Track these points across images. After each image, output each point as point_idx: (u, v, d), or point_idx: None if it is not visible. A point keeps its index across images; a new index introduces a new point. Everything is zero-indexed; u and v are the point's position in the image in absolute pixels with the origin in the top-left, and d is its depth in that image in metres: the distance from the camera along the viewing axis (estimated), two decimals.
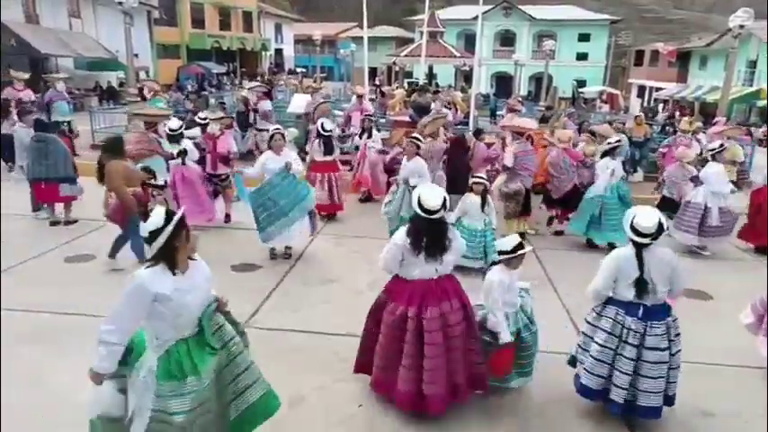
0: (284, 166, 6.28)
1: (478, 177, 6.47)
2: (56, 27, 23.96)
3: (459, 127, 12.63)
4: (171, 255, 2.73)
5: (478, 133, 8.89)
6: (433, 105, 10.98)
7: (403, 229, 3.65)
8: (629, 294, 3.56)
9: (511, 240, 3.85)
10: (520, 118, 9.18)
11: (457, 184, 7.36)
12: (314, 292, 5.80)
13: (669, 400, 3.69)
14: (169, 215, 2.72)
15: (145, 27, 29.88)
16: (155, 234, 2.68)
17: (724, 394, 4.14)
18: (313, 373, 4.17)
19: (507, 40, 45.40)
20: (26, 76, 13.00)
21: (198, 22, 36.79)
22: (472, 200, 6.35)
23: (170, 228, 2.68)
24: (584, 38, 44.90)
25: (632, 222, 3.54)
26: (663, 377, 3.56)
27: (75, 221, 7.62)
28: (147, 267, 2.75)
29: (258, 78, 18.24)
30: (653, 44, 42.07)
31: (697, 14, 64.84)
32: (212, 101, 16.56)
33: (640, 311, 3.54)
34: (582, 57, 44.65)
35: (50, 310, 5.05)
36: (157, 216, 2.73)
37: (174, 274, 2.74)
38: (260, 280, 6.04)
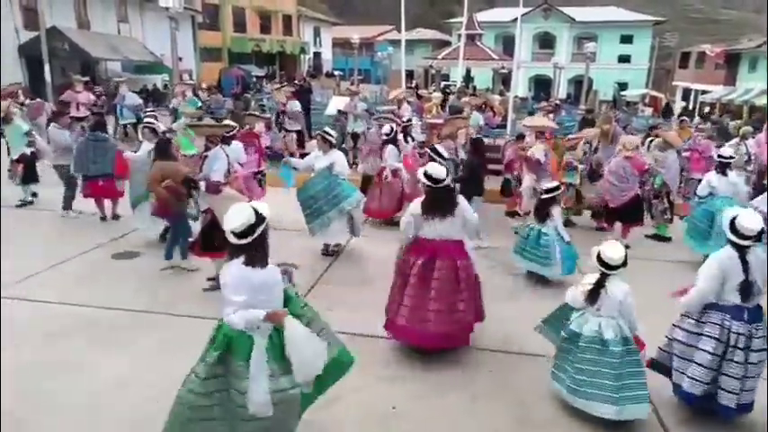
0: (327, 166, 6.41)
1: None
2: (105, 32, 24.93)
3: (496, 130, 12.56)
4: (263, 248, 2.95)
5: (521, 137, 8.81)
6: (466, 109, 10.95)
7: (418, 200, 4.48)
8: (734, 298, 3.53)
9: (620, 252, 3.69)
10: (539, 117, 9.27)
11: (473, 186, 6.99)
12: (350, 292, 5.84)
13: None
14: (257, 212, 2.89)
15: (189, 31, 30.75)
16: (251, 229, 2.85)
17: None
18: (348, 374, 4.21)
19: (547, 42, 44.67)
20: (85, 79, 13.58)
21: (239, 25, 37.61)
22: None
23: (263, 224, 2.89)
24: (626, 39, 43.78)
25: (734, 224, 3.47)
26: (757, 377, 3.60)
27: (120, 217, 7.94)
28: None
29: (296, 81, 18.49)
30: (699, 45, 40.71)
31: (747, 15, 62.45)
32: (253, 103, 16.87)
33: (745, 315, 3.51)
34: (624, 59, 43.55)
35: (97, 305, 5.22)
36: (246, 212, 2.87)
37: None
38: (297, 278, 6.12)
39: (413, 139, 9.08)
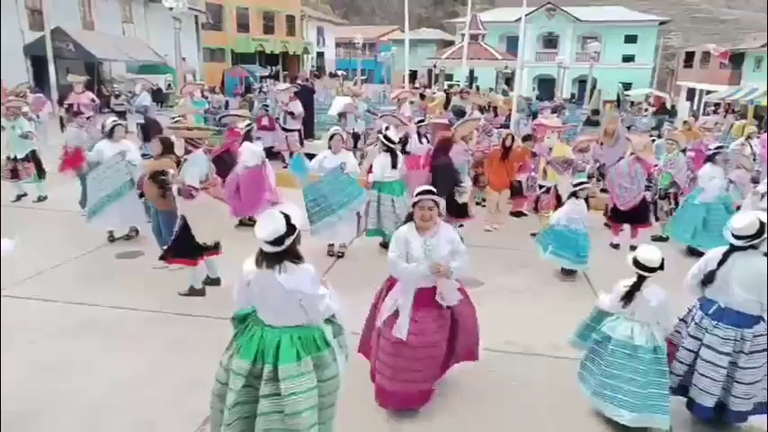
0: (339, 165, 6.47)
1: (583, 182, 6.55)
2: (110, 32, 25.02)
3: (499, 129, 12.51)
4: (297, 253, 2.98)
5: (528, 138, 8.77)
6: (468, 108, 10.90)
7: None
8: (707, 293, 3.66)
9: (657, 254, 3.65)
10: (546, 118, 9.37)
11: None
12: (347, 293, 5.78)
13: (733, 414, 3.64)
14: (289, 219, 2.86)
15: (193, 31, 30.83)
16: (281, 239, 2.82)
17: None
18: (349, 374, 4.18)
19: (550, 42, 44.58)
20: (83, 78, 13.58)
21: (243, 26, 37.76)
22: (582, 206, 6.43)
23: (296, 232, 2.88)
24: (630, 39, 43.67)
25: (730, 224, 3.60)
26: (716, 381, 3.55)
27: None
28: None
29: (298, 82, 18.45)
30: (704, 45, 40.56)
31: (752, 14, 62.17)
32: (256, 103, 16.90)
33: (711, 309, 3.59)
34: (628, 59, 43.42)
35: (99, 305, 5.22)
36: (277, 220, 2.84)
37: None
38: None
39: (428, 140, 8.87)
